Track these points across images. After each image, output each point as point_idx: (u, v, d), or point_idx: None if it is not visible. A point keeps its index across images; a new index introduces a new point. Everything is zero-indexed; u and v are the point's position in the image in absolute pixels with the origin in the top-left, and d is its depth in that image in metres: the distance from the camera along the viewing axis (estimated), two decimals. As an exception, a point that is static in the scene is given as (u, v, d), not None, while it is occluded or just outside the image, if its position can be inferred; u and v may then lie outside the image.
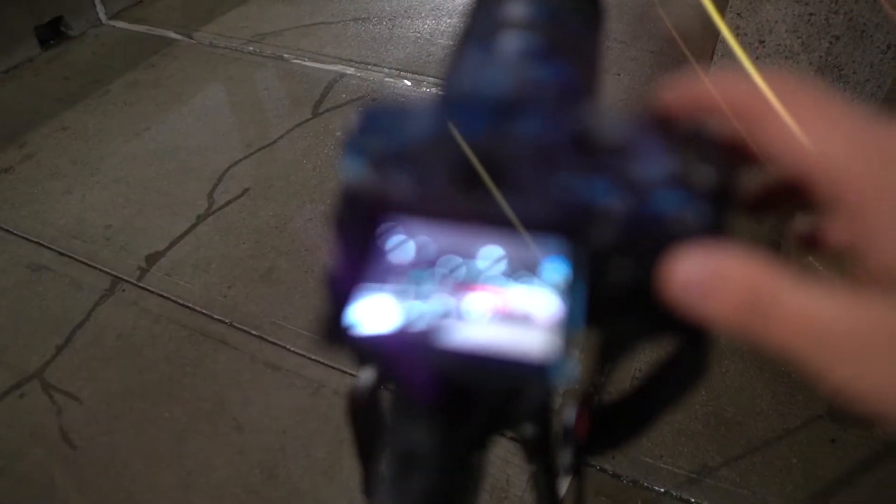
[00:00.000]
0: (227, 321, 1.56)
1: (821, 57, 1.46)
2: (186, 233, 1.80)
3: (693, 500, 1.22)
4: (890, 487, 1.21)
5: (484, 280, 0.30)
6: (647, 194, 0.30)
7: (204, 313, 1.58)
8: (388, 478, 0.37)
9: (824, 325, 0.22)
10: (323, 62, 2.46)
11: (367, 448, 0.48)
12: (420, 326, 0.29)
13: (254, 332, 1.53)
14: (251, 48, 2.59)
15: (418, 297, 0.30)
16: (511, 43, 0.37)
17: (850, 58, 1.45)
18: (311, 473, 1.28)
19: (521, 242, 0.30)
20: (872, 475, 1.24)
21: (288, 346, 1.49)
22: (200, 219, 1.83)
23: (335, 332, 0.30)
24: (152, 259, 1.73)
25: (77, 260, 1.74)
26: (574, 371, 0.28)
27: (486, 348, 0.28)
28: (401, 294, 0.30)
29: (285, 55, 2.52)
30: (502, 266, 0.30)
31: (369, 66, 2.42)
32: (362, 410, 0.45)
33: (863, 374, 0.21)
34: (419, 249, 0.31)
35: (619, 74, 2.33)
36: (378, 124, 0.34)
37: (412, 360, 0.28)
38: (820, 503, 1.21)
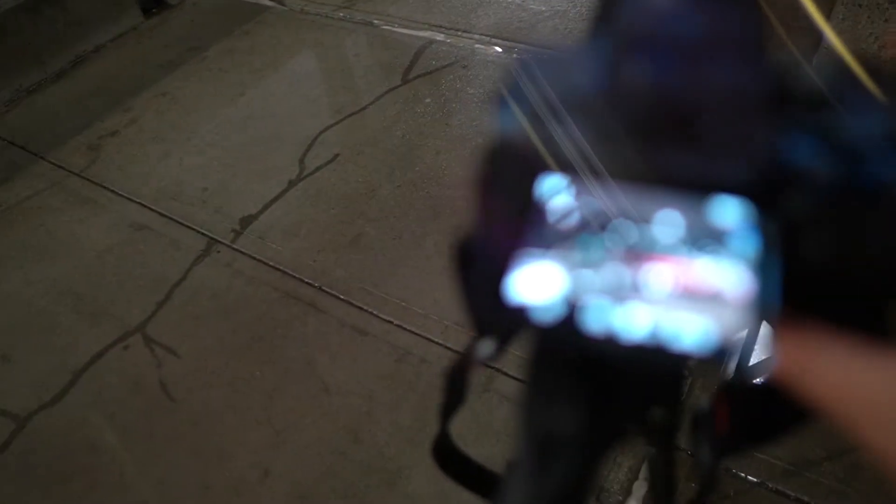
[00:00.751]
0: (316, 285, 1.59)
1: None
2: (278, 197, 1.83)
3: (791, 493, 1.16)
4: None
5: (663, 249, 0.25)
6: (859, 157, 0.25)
7: (294, 276, 1.61)
8: (525, 463, 0.35)
9: (859, 393, 0.23)
10: (412, 28, 2.44)
11: (450, 412, 0.45)
12: (590, 300, 0.25)
13: (342, 297, 1.55)
14: (341, 14, 2.59)
15: (587, 266, 0.26)
16: None
17: None
18: (395, 439, 1.29)
19: (708, 207, 0.25)
20: None
21: (375, 312, 1.50)
22: (292, 184, 1.86)
23: (491, 303, 0.27)
24: (245, 222, 1.78)
25: (176, 221, 1.81)
26: (771, 361, 0.25)
27: (669, 331, 0.24)
28: (567, 262, 0.26)
29: (375, 21, 2.52)
30: (684, 234, 0.25)
31: (459, 33, 2.38)
32: (460, 379, 0.42)
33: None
34: (587, 211, 0.26)
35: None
36: (538, 72, 0.30)
37: (579, 337, 0.24)
38: (937, 507, 1.12)
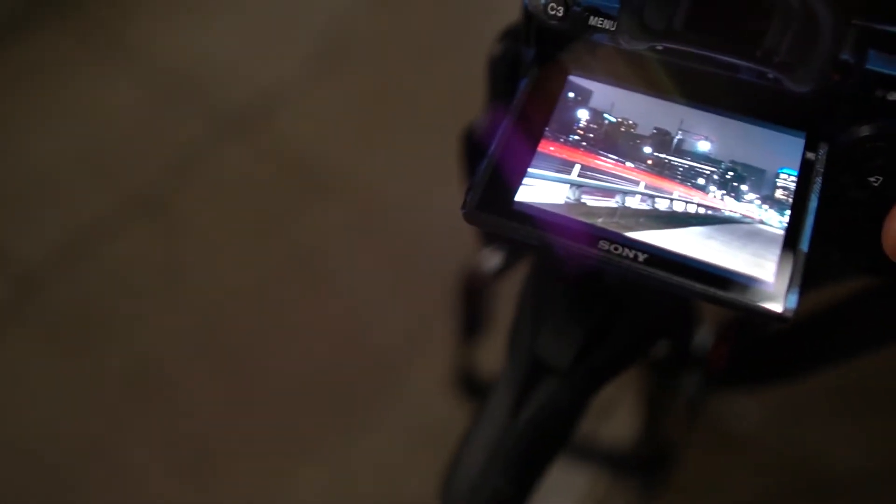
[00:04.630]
0: (337, 172, 1.51)
1: None
2: (299, 76, 1.71)
3: None
4: None
5: (687, 174, 0.24)
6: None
7: (313, 161, 1.54)
8: (515, 383, 0.35)
9: None
10: None
11: (469, 333, 0.56)
12: (601, 214, 0.24)
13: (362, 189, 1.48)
14: None
15: (604, 178, 0.25)
16: None
17: None
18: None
19: (746, 129, 0.25)
20: None
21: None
22: (315, 61, 1.74)
23: (494, 203, 0.25)
24: (264, 98, 1.67)
25: (192, 91, 1.72)
26: (793, 300, 0.23)
27: (686, 259, 0.23)
28: (582, 172, 0.24)
29: None
30: (716, 161, 0.24)
31: None
32: (476, 295, 0.49)
33: None
34: (614, 118, 0.26)
35: None
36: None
37: (579, 252, 0.23)
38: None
